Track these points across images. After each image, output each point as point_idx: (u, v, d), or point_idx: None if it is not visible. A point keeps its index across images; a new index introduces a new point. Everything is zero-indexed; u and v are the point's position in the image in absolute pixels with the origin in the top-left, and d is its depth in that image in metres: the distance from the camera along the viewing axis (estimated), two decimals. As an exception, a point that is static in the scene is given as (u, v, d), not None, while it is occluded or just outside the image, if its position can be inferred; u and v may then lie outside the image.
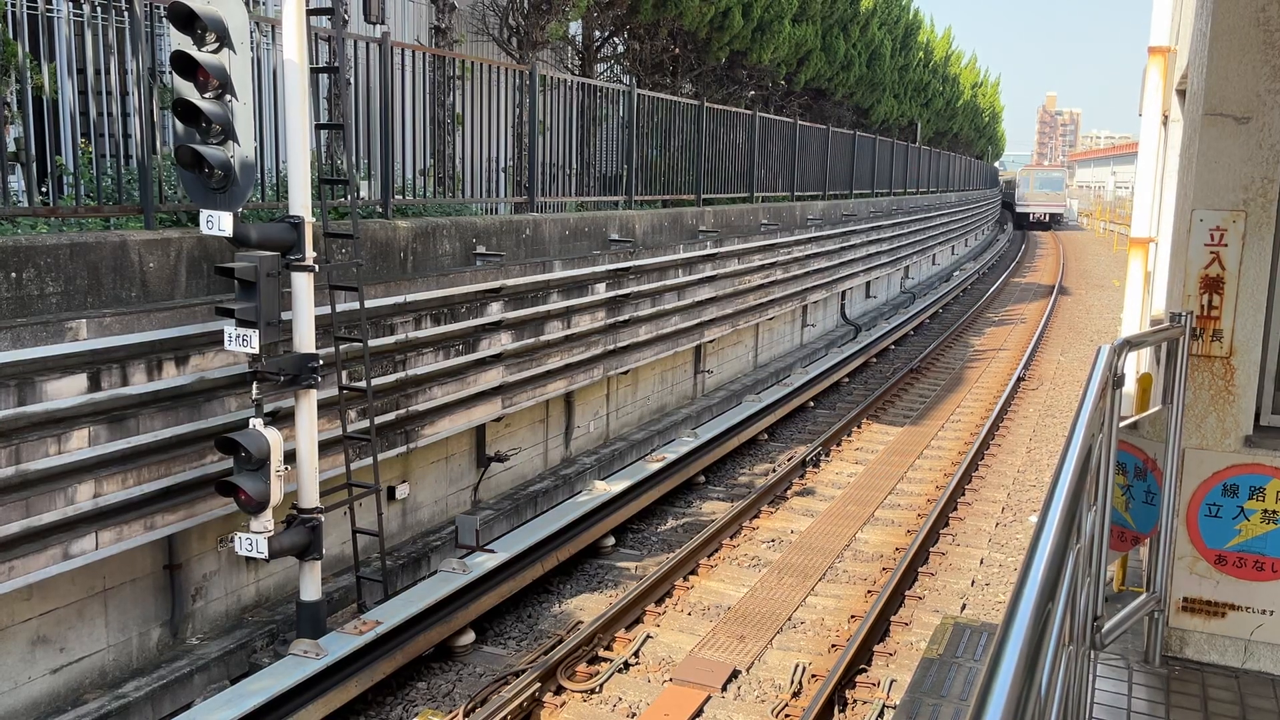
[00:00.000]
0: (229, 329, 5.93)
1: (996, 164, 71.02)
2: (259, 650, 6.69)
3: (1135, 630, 4.49)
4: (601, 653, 7.25)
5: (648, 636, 7.52)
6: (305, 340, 6.37)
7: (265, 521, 6.15)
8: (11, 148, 6.08)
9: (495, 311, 8.93)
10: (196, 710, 5.71)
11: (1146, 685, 4.27)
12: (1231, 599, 4.41)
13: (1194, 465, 4.41)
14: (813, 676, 6.98)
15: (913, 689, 5.30)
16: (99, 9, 6.28)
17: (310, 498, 6.53)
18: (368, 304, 7.21)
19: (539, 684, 6.58)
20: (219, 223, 5.81)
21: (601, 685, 6.79)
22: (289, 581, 7.28)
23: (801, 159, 19.08)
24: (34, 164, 6.12)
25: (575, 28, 15.17)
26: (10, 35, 6.04)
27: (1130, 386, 5.29)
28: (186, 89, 5.75)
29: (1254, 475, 4.35)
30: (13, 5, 6.06)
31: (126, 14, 6.25)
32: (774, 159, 17.83)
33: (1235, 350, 4.38)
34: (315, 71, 7.11)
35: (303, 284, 6.32)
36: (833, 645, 7.45)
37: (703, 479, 11.40)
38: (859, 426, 13.97)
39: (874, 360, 18.82)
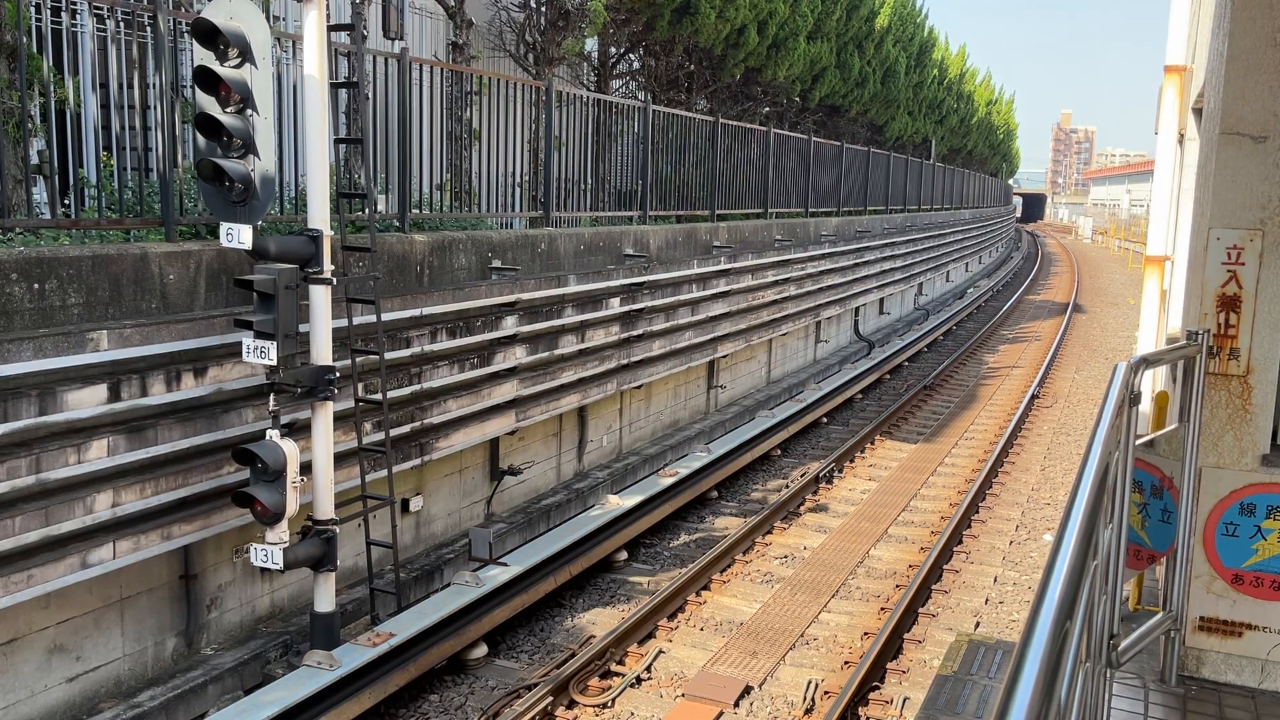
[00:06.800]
0: (247, 341, 5.97)
1: (1011, 181, 70.96)
2: (273, 661, 6.71)
3: (1151, 649, 4.47)
4: (614, 667, 7.24)
5: (660, 651, 7.51)
6: (322, 353, 6.41)
7: (281, 533, 6.18)
8: (35, 160, 6.15)
9: (510, 325, 8.97)
10: (211, 720, 5.74)
11: (1163, 705, 4.25)
12: (1248, 619, 4.39)
13: (1211, 484, 4.40)
14: (825, 693, 6.96)
15: (927, 706, 5.29)
16: (122, 25, 6.36)
17: (325, 509, 6.56)
18: (384, 317, 7.25)
19: (551, 698, 6.58)
20: (239, 235, 5.86)
21: (613, 700, 6.78)
22: (303, 593, 7.31)
23: (816, 175, 19.11)
24: (57, 176, 6.19)
25: (591, 44, 15.25)
26: (35, 50, 6.13)
27: (1147, 404, 5.28)
28: (208, 103, 5.82)
29: (1271, 495, 4.33)
30: (38, 20, 6.15)
31: (150, 29, 6.33)
32: (788, 175, 17.86)
33: (1252, 369, 4.37)
34: (335, 86, 7.18)
35: (320, 297, 6.36)
36: (846, 662, 7.43)
37: (715, 494, 11.39)
38: (872, 443, 13.95)
39: (887, 377, 18.79)
